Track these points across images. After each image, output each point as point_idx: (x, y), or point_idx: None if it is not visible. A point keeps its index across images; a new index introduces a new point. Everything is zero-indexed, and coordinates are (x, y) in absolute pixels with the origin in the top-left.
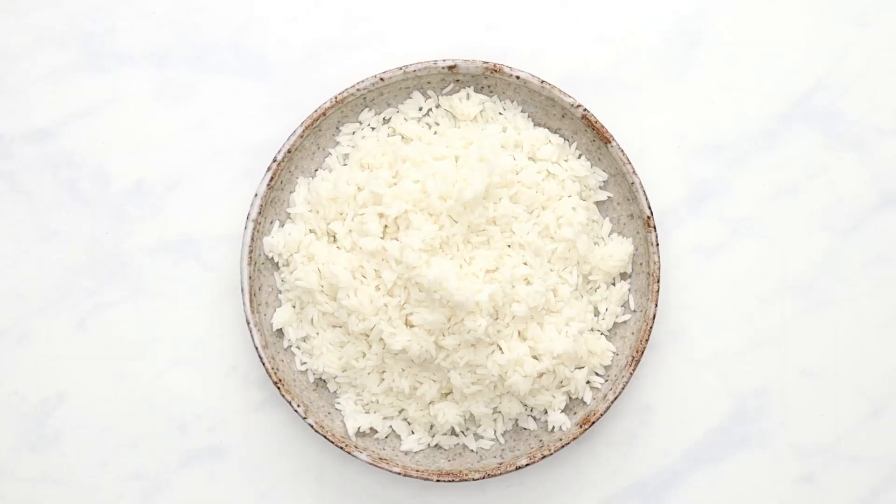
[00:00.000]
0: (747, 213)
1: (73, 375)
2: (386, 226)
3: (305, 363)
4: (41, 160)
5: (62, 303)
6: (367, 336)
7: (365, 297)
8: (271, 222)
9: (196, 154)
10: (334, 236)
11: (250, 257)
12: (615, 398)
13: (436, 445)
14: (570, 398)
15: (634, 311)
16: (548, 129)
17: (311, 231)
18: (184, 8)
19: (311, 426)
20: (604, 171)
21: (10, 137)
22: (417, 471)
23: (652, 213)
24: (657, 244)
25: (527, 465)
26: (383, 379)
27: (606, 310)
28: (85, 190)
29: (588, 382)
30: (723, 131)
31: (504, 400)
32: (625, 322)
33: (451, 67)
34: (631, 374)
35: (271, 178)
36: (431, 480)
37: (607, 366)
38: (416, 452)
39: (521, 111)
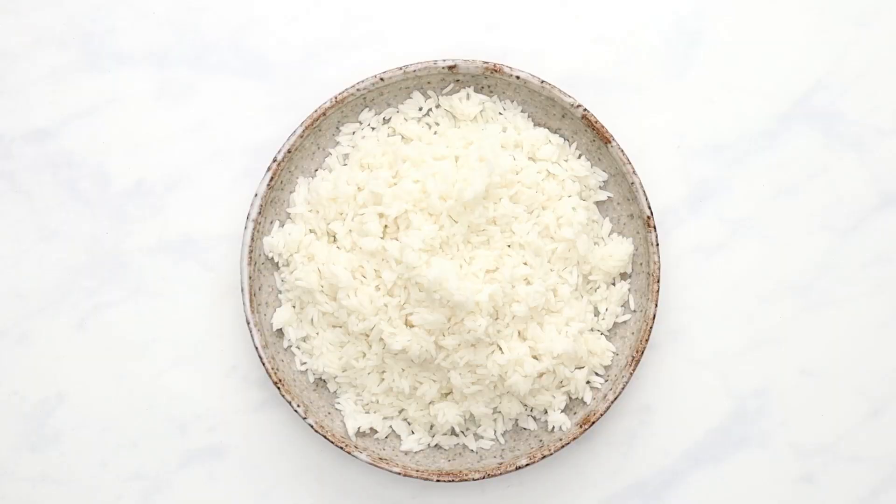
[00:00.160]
0: (747, 213)
1: (73, 375)
2: (386, 226)
3: (305, 363)
4: (41, 160)
5: (62, 303)
6: (367, 336)
7: (365, 297)
8: (271, 222)
9: (196, 154)
10: (334, 236)
11: (250, 257)
12: (615, 398)
13: (436, 445)
14: (570, 398)
15: (634, 311)
16: (548, 129)
17: (311, 231)
18: (184, 8)
19: (311, 426)
20: (604, 171)
21: (10, 137)
22: (417, 471)
23: (652, 213)
24: (657, 244)
25: (527, 465)
26: (383, 379)
27: (606, 310)
28: (85, 190)
29: (588, 382)
30: (723, 131)
31: (504, 400)
32: (625, 322)
33: (451, 67)
34: (631, 374)
35: (271, 178)
36: (431, 480)
37: (607, 366)
38: (416, 452)
39: (521, 111)
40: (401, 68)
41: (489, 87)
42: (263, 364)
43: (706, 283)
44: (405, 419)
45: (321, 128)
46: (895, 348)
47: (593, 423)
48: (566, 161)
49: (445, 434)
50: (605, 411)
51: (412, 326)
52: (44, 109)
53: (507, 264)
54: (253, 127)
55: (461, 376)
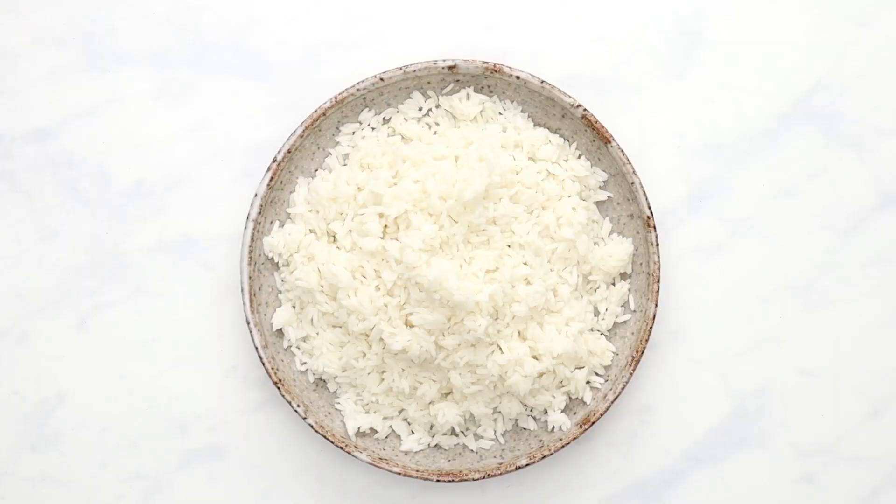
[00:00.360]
0: (747, 213)
1: (73, 375)
2: (386, 226)
3: (305, 363)
4: (41, 160)
5: (62, 303)
6: (367, 336)
7: (365, 297)
8: (271, 222)
9: (196, 154)
10: (334, 236)
11: (250, 257)
12: (615, 398)
13: (436, 445)
14: (570, 398)
15: (634, 311)
16: (548, 129)
17: (311, 231)
18: (184, 8)
19: (311, 426)
20: (604, 171)
21: (10, 137)
22: (417, 471)
23: (652, 213)
24: (657, 244)
25: (527, 465)
26: (383, 379)
27: (606, 310)
28: (85, 190)
29: (588, 382)
30: (723, 131)
31: (504, 400)
32: (625, 322)
33: (451, 67)
34: (631, 374)
35: (271, 178)
36: (431, 480)
37: (607, 366)
38: (416, 452)
39: (521, 111)
40: (401, 68)
41: (489, 87)
42: (263, 364)
43: (706, 283)
44: (405, 419)
45: (321, 128)
46: (895, 348)
47: (593, 423)
48: (566, 161)
49: (445, 434)
50: (605, 411)
51: (412, 326)
52: (44, 109)
53: (507, 264)
54: (253, 127)
55: (461, 376)
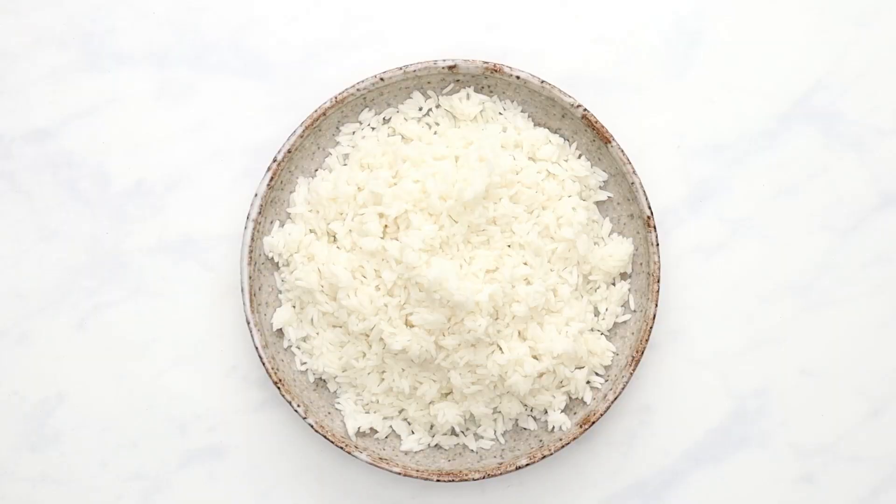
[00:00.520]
0: (747, 213)
1: (73, 375)
2: (386, 226)
3: (305, 363)
4: (41, 160)
5: (62, 303)
6: (367, 336)
7: (365, 297)
8: (271, 222)
9: (196, 154)
10: (334, 236)
11: (250, 257)
12: (615, 398)
13: (436, 445)
14: (570, 398)
15: (634, 311)
16: (548, 129)
17: (311, 231)
18: (184, 8)
19: (311, 426)
20: (604, 171)
21: (10, 137)
22: (417, 471)
23: (652, 213)
24: (657, 244)
25: (527, 465)
26: (383, 379)
27: (606, 310)
28: (85, 190)
29: (588, 382)
30: (723, 131)
31: (504, 400)
32: (625, 322)
33: (451, 67)
34: (631, 374)
35: (271, 178)
36: (431, 480)
37: (607, 366)
38: (416, 452)
39: (521, 111)
40: (401, 68)
41: (489, 87)
42: (263, 364)
43: (706, 283)
44: (405, 419)
45: (321, 128)
46: (895, 348)
47: (593, 423)
48: (566, 161)
49: (445, 434)
50: (605, 411)
51: (412, 326)
52: (44, 109)
53: (507, 264)
54: (253, 127)
55: (461, 376)
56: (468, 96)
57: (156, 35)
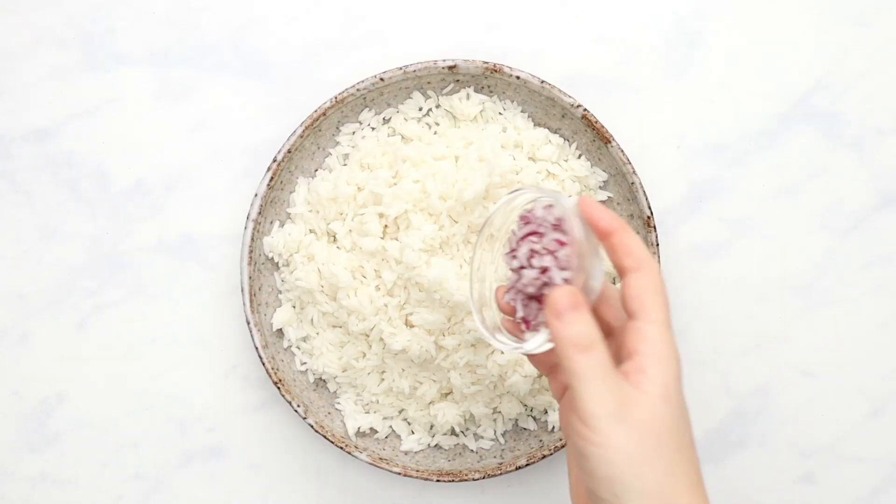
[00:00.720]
0: (747, 213)
1: (73, 375)
2: (386, 226)
3: (305, 363)
4: (41, 160)
5: (62, 303)
6: (367, 336)
7: (365, 297)
8: (271, 222)
9: (196, 154)
10: (334, 236)
11: (250, 257)
12: None
13: (436, 445)
14: None
15: None
16: (548, 129)
17: (311, 231)
18: (184, 8)
19: (311, 426)
20: (604, 171)
21: (10, 137)
22: (417, 471)
23: (652, 213)
24: (657, 244)
25: (527, 465)
26: (383, 379)
27: None
28: (85, 190)
29: None
30: (723, 131)
31: (504, 400)
32: None
33: (451, 67)
34: None
35: (271, 178)
36: (431, 480)
37: None
38: (416, 452)
39: (521, 111)
40: (401, 68)
41: (489, 87)
42: (263, 364)
43: (706, 283)
44: (405, 419)
45: (321, 128)
46: (895, 348)
47: None
48: (566, 161)
49: (445, 434)
50: None
51: (412, 326)
52: (44, 109)
53: None
54: (253, 127)
55: (461, 376)
56: (468, 96)
57: (156, 35)
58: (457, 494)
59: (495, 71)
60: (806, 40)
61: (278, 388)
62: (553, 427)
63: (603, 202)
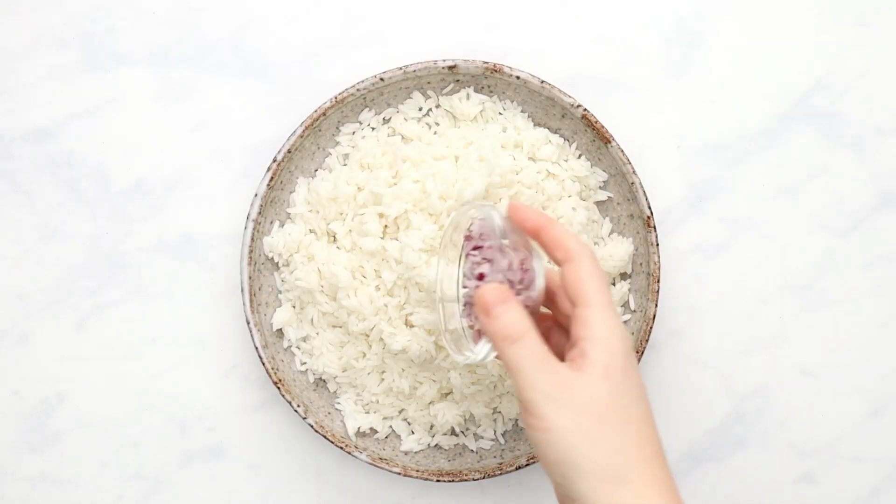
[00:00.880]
0: (747, 213)
1: (73, 375)
2: (386, 226)
3: (305, 363)
4: (41, 160)
5: (62, 303)
6: (367, 336)
7: (365, 297)
8: (271, 222)
9: (196, 154)
10: (334, 236)
11: (250, 257)
12: None
13: (436, 445)
14: None
15: (634, 311)
16: (548, 129)
17: (311, 231)
18: (184, 8)
19: (311, 426)
20: (604, 171)
21: (10, 137)
22: (417, 471)
23: (652, 213)
24: (657, 244)
25: (527, 464)
26: (383, 379)
27: None
28: (85, 190)
29: None
30: (723, 131)
31: (504, 400)
32: (625, 322)
33: (451, 67)
34: None
35: (271, 178)
36: (431, 480)
37: None
38: (416, 452)
39: (521, 111)
40: (401, 68)
41: (489, 87)
42: (263, 364)
43: (706, 283)
44: (405, 419)
45: (321, 128)
46: (895, 348)
47: None
48: (566, 161)
49: (445, 434)
50: None
51: (412, 326)
52: (44, 109)
53: None
54: (253, 127)
55: (461, 376)
56: (468, 96)
57: (156, 35)
58: (457, 494)
59: (495, 71)
60: (806, 40)
61: (278, 388)
62: None
63: (603, 202)
